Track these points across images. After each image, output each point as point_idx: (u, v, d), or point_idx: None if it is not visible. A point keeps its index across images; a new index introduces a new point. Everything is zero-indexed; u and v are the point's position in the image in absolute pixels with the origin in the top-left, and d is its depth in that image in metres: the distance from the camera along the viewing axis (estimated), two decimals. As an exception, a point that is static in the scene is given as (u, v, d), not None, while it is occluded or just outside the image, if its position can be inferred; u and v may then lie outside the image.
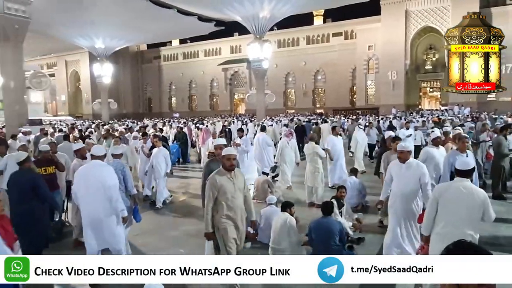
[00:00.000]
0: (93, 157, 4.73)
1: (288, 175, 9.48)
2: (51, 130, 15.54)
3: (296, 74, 51.26)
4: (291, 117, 28.14)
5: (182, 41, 58.77)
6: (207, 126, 16.79)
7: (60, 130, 14.95)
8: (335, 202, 5.57)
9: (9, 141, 12.16)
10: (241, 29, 38.92)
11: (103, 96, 41.59)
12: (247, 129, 19.22)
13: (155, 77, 63.21)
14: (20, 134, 13.28)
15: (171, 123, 23.36)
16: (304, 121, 20.28)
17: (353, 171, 7.78)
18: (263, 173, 8.91)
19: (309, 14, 48.56)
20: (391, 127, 15.35)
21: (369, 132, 13.52)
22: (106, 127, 19.18)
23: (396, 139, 6.40)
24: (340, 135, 10.35)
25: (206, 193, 4.06)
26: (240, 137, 9.84)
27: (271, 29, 34.69)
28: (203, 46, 57.90)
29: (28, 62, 25.55)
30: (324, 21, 51.22)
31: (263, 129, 11.13)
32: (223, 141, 4.87)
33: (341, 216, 5.89)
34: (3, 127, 22.38)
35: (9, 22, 18.51)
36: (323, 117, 27.94)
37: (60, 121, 33.41)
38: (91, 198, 4.47)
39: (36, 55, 48.13)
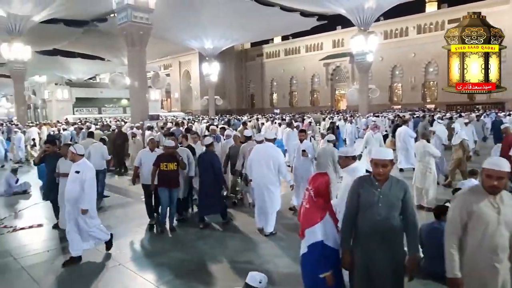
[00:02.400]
0: (267, 140, 6.13)
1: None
2: (169, 124, 17.20)
3: (404, 67, 47.73)
4: (394, 114, 26.32)
5: (284, 38, 59.54)
6: (310, 122, 16.66)
7: (177, 124, 16.31)
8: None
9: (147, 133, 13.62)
10: (344, 22, 37.72)
11: (210, 93, 44.57)
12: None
13: (257, 74, 65.43)
14: (135, 129, 14.95)
15: (273, 119, 23.81)
16: (413, 117, 18.48)
17: (473, 173, 6.86)
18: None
19: (419, 1, 44.65)
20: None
21: None
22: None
23: None
24: None
25: (452, 217, 2.71)
26: (302, 141, 7.21)
27: (377, 20, 32.83)
28: (305, 42, 57.79)
29: (148, 64, 28.90)
30: (439, 7, 46.54)
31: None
32: (388, 154, 2.98)
33: (457, 222, 5.28)
34: (117, 120, 25.47)
35: (135, 29, 21.04)
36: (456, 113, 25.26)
37: (174, 117, 36.89)
38: (262, 169, 5.82)
39: (155, 57, 53.89)
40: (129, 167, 11.87)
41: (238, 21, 34.31)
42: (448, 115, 22.62)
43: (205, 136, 9.02)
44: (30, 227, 6.81)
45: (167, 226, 6.44)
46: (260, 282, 3.04)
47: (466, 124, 13.23)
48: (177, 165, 6.28)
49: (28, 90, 43.68)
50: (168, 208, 6.31)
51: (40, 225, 6.91)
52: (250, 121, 22.83)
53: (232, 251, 5.40)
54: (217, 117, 35.99)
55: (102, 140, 9.38)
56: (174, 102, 68.47)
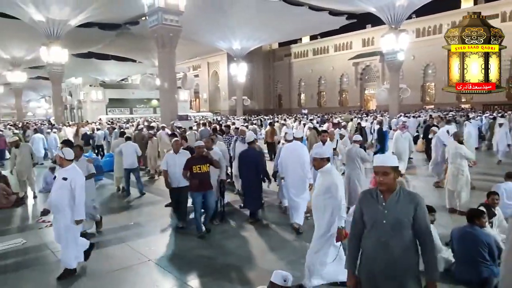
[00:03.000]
0: (296, 139, 6.56)
1: (402, 166, 9.75)
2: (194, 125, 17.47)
3: (437, 65, 46.02)
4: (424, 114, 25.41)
5: (313, 37, 59.01)
6: (339, 122, 16.41)
7: (204, 124, 16.55)
8: (484, 210, 4.82)
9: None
10: (374, 21, 36.96)
11: (238, 93, 44.85)
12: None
13: (285, 74, 65.24)
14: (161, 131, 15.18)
15: (300, 119, 23.65)
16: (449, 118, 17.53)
17: (510, 176, 6.57)
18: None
19: (455, -3, 43.06)
20: None
21: None
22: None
23: None
24: None
25: None
26: (324, 142, 7.14)
27: (409, 17, 31.93)
28: (334, 41, 57.06)
29: (178, 65, 29.55)
30: (475, 3, 44.66)
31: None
32: (389, 160, 2.63)
33: (491, 227, 5.07)
34: (145, 120, 25.98)
35: (165, 31, 21.49)
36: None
37: (203, 117, 37.42)
38: (293, 167, 6.13)
39: (185, 58, 54.84)
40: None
41: (266, 22, 34.34)
42: (487, 114, 21.65)
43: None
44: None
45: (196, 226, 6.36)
46: (285, 281, 3.07)
47: (500, 125, 12.74)
48: (209, 166, 6.04)
49: (65, 91, 45.63)
50: (204, 211, 6.18)
51: (75, 221, 7.22)
52: (277, 121, 22.84)
53: (258, 251, 5.44)
54: (243, 117, 36.18)
55: (127, 138, 9.72)
56: (203, 103, 69.41)
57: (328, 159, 4.20)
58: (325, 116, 28.33)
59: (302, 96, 64.45)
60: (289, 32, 41.53)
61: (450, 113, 26.95)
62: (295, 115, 34.97)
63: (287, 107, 63.64)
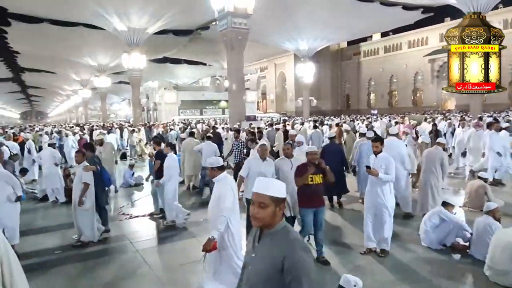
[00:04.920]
0: (391, 135, 7.36)
1: (475, 165, 9.60)
2: (262, 125, 17.70)
3: (529, 59, 41.20)
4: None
5: (384, 34, 56.36)
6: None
7: (271, 125, 16.69)
8: None
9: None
10: (453, 13, 34.13)
11: (305, 94, 44.48)
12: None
13: (353, 73, 63.27)
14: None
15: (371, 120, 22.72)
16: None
17: None
18: (479, 177, 7.59)
19: (553, -18, 38.15)
20: None
21: None
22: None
23: None
24: None
25: None
26: (376, 154, 5.31)
27: (495, 7, 28.95)
28: (407, 37, 53.99)
29: (245, 67, 30.32)
30: None
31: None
32: (270, 187, 2.03)
33: None
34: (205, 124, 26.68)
35: (234, 34, 22.11)
36: None
37: (269, 118, 37.80)
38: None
39: (252, 60, 55.86)
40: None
41: (335, 21, 33.56)
42: None
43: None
44: (143, 215, 7.67)
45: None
46: (355, 286, 2.96)
47: None
48: (323, 178, 4.97)
49: (142, 94, 49.18)
50: (314, 233, 5.02)
51: (150, 214, 7.73)
52: (345, 122, 22.19)
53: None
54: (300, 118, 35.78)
55: (208, 137, 10.10)
56: (270, 104, 70.06)
57: (221, 168, 4.14)
58: (399, 118, 26.72)
59: (372, 96, 61.95)
60: (358, 30, 40.13)
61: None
62: (363, 116, 33.72)
63: (355, 107, 61.65)
